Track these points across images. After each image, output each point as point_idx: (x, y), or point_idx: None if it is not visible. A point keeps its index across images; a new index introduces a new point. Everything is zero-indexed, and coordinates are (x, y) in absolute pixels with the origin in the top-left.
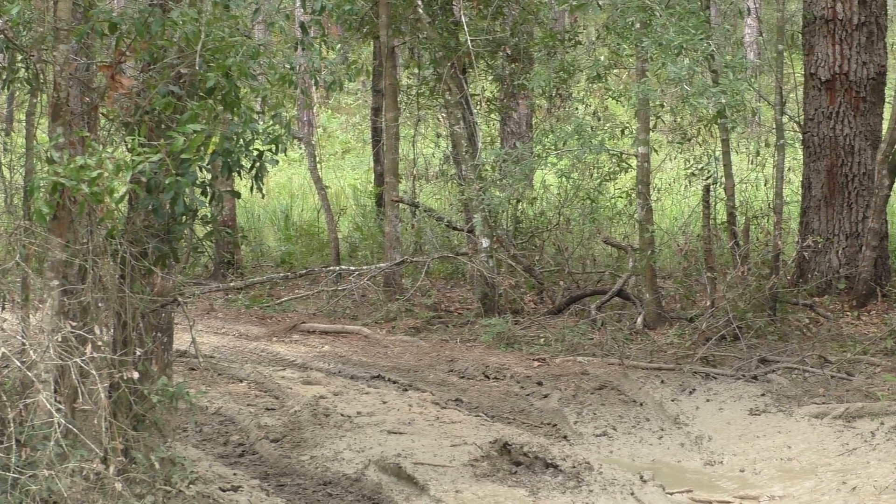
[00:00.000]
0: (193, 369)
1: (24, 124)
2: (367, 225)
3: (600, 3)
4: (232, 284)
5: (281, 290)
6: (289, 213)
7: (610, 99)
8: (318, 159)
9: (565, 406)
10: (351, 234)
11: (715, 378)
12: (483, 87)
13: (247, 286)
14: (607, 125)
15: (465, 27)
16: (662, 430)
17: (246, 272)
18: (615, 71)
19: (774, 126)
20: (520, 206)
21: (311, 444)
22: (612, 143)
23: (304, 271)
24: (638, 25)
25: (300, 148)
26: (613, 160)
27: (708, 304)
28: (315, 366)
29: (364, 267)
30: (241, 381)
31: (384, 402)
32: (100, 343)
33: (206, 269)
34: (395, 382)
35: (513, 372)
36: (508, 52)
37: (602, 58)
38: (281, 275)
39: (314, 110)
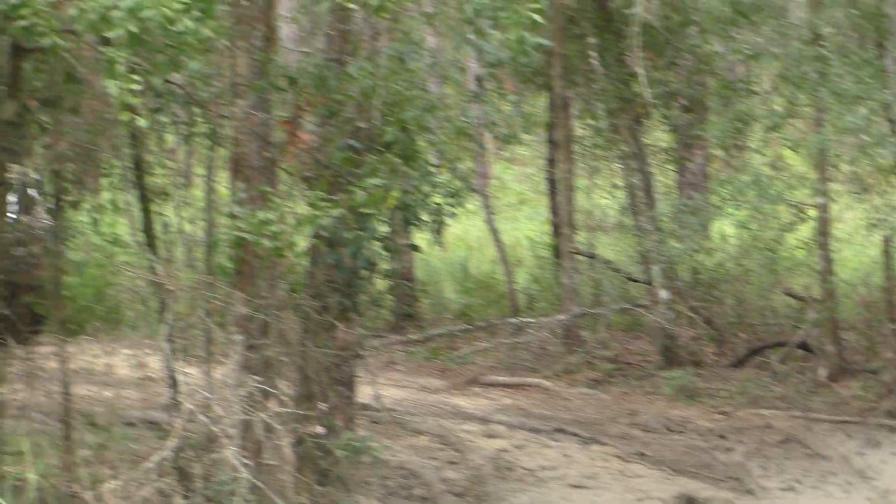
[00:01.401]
0: (376, 422)
1: (204, 179)
2: (544, 276)
3: (775, 52)
4: (412, 337)
5: (460, 342)
6: (466, 264)
7: (786, 149)
8: (493, 211)
9: (749, 460)
10: (528, 286)
11: None
12: (658, 138)
13: (427, 339)
14: (785, 175)
15: (640, 78)
16: (849, 484)
17: (425, 324)
18: (791, 120)
19: None
20: (698, 258)
21: (494, 497)
22: (791, 193)
23: (482, 323)
24: (814, 75)
25: (476, 200)
26: (792, 210)
27: (892, 355)
28: (496, 419)
29: (543, 319)
30: (422, 434)
31: (566, 456)
32: (284, 397)
33: (386, 322)
34: (576, 435)
35: (695, 425)
36: (683, 102)
37: (778, 107)
38: (460, 327)
39: (489, 162)
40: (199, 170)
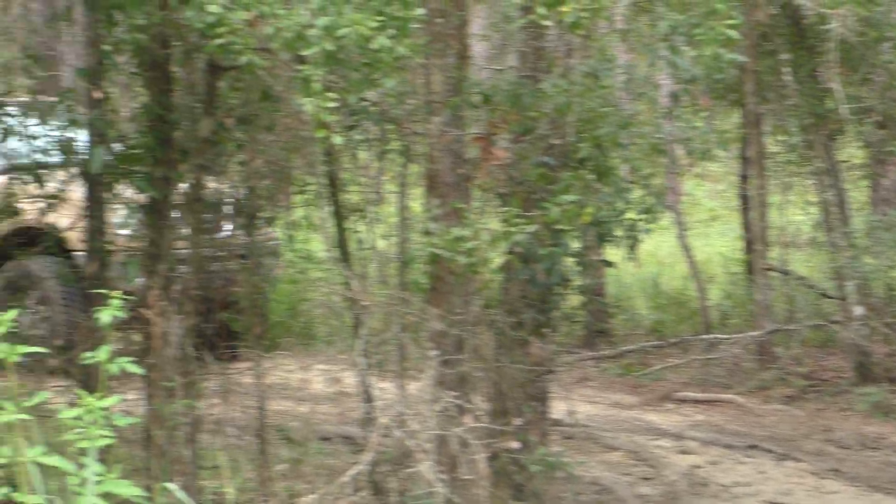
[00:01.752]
0: (568, 438)
1: (397, 195)
2: (736, 293)
3: None
4: (604, 353)
5: (652, 358)
6: (658, 281)
7: None
8: (685, 227)
9: None
10: (721, 302)
11: None
12: (852, 154)
13: (619, 355)
14: None
15: (836, 93)
16: None
17: (617, 341)
18: None
19: None
20: (893, 273)
21: None
22: None
23: (675, 339)
24: None
25: (668, 216)
26: None
27: None
28: (689, 435)
29: (736, 335)
30: (615, 450)
31: (760, 472)
32: (478, 413)
33: (579, 338)
34: (770, 452)
35: (891, 441)
36: (877, 118)
37: None
38: (652, 343)
39: (681, 178)
40: (392, 187)
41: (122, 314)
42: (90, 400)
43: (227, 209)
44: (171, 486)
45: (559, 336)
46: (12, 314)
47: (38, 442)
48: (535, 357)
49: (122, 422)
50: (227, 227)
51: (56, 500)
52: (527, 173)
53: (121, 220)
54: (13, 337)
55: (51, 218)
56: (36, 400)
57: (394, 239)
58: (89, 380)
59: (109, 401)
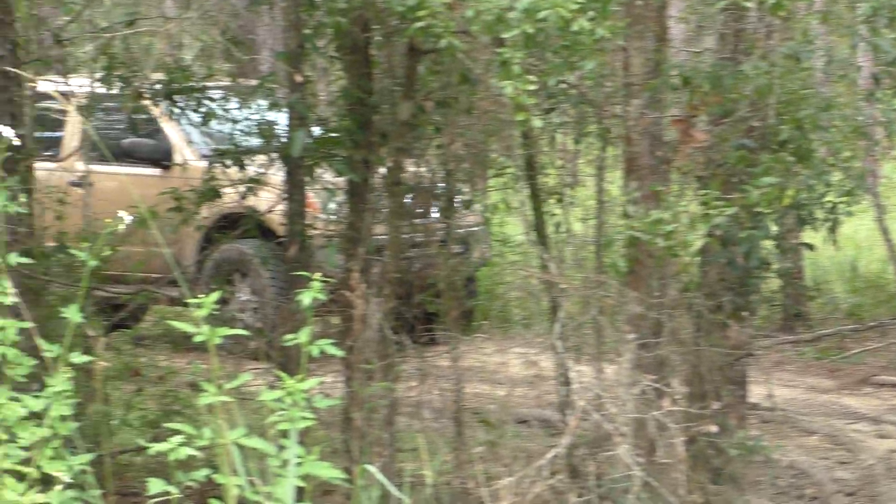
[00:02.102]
0: (765, 422)
1: (595, 178)
2: None
3: None
4: (801, 337)
5: (850, 342)
6: (856, 264)
7: None
8: (884, 210)
9: None
10: None
11: None
12: None
13: (816, 338)
14: None
15: None
16: None
17: (815, 324)
18: None
19: None
20: None
21: (886, 498)
22: None
23: (873, 323)
24: None
25: (867, 199)
26: None
27: None
28: (888, 419)
29: None
30: (812, 434)
31: None
32: (677, 396)
33: (776, 322)
34: None
35: None
36: None
37: None
38: (850, 327)
39: (879, 161)
40: (590, 169)
41: (322, 297)
42: (291, 382)
43: (428, 192)
44: (370, 468)
45: (757, 319)
46: (215, 297)
47: (238, 424)
48: (733, 340)
49: (322, 404)
50: (434, 211)
51: (256, 482)
52: (726, 156)
53: (321, 203)
54: (215, 319)
55: (252, 202)
56: (237, 382)
57: (591, 222)
58: (289, 362)
59: (310, 383)
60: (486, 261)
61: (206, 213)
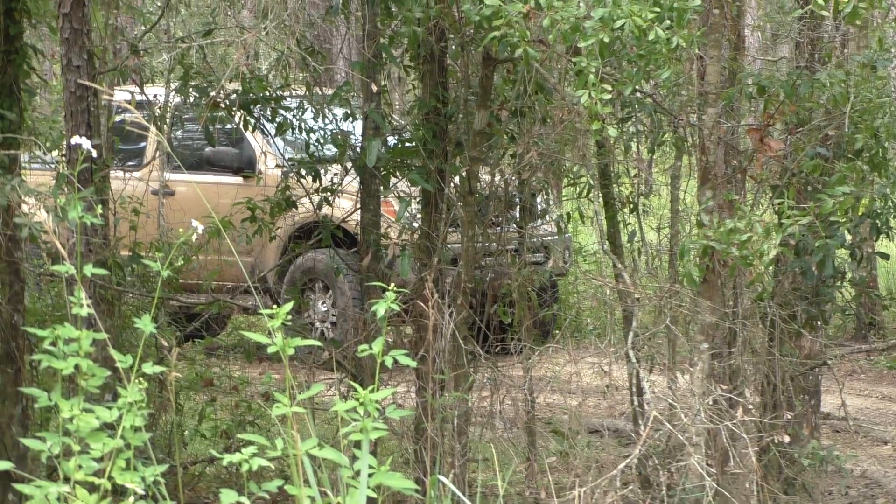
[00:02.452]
0: (837, 431)
1: (668, 187)
2: None
3: None
4: (875, 346)
5: None
6: None
7: None
8: None
9: None
10: None
11: None
12: None
13: (890, 347)
14: None
15: None
16: None
17: (889, 333)
18: None
19: None
20: None
21: None
22: None
23: None
24: None
25: None
26: None
27: None
28: None
29: None
30: (885, 444)
31: None
32: (750, 406)
33: (849, 331)
34: None
35: None
36: None
37: None
38: None
39: None
40: (664, 178)
41: (396, 307)
42: (364, 393)
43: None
44: (442, 478)
45: (831, 329)
46: (288, 307)
47: (311, 435)
48: (806, 350)
49: (394, 414)
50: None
51: (328, 493)
52: (801, 165)
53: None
54: (294, 329)
55: (328, 211)
56: (309, 393)
57: (665, 231)
58: (362, 372)
59: (382, 393)
60: (566, 270)
61: (288, 222)
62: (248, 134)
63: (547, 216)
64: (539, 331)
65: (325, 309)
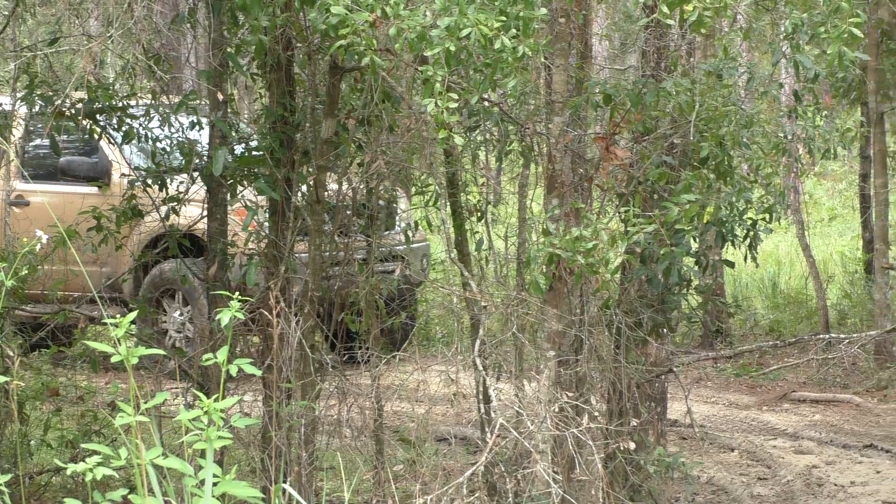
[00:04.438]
0: (684, 438)
1: (516, 196)
2: (855, 292)
3: None
4: (721, 353)
5: (770, 358)
6: (776, 280)
7: None
8: (805, 227)
9: None
10: (839, 302)
11: None
12: None
13: (736, 355)
14: None
15: None
16: None
17: (735, 340)
18: None
19: None
20: None
21: None
22: None
23: (793, 339)
24: None
25: (787, 215)
26: None
27: None
28: (806, 435)
29: (854, 335)
30: (732, 451)
31: (877, 472)
32: (596, 413)
33: (697, 338)
34: (888, 451)
35: None
36: None
37: None
38: (770, 343)
39: (801, 178)
40: (512, 187)
41: (241, 316)
42: (208, 402)
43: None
44: (287, 487)
45: (677, 336)
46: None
47: (156, 443)
48: (652, 357)
49: (240, 423)
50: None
51: (173, 503)
52: (647, 173)
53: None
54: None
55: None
56: (154, 402)
57: (513, 239)
58: (208, 381)
59: (226, 402)
60: (425, 279)
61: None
62: (103, 143)
63: (397, 225)
64: (389, 339)
65: (182, 319)
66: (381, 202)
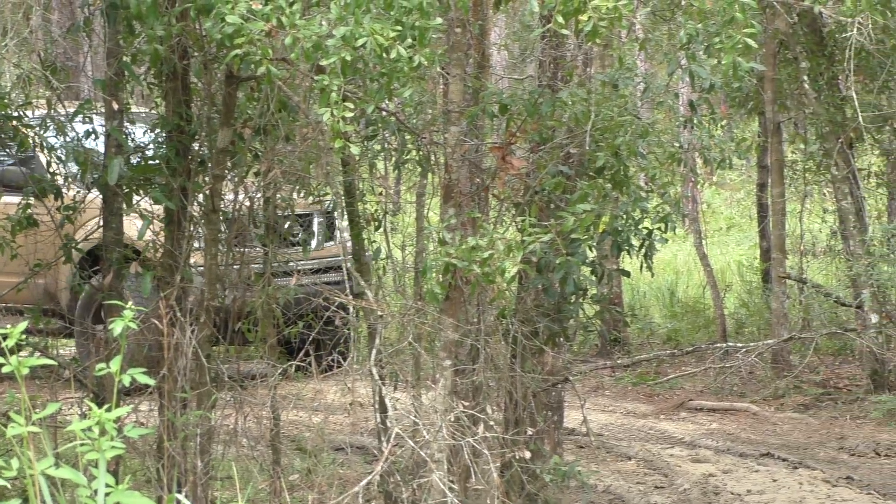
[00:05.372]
0: (582, 447)
1: (413, 205)
2: (753, 301)
3: None
4: (619, 362)
5: (667, 367)
6: (674, 289)
7: None
8: (703, 236)
9: None
10: (737, 311)
11: None
12: (870, 162)
13: (634, 363)
14: None
15: (854, 102)
16: None
17: (633, 349)
18: None
19: None
20: None
21: None
22: None
23: (690, 348)
24: None
25: (685, 225)
26: None
27: None
28: (703, 443)
29: (751, 344)
30: (629, 459)
31: (774, 481)
32: (492, 422)
33: (594, 347)
34: (784, 460)
35: None
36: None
37: None
38: (667, 352)
39: (699, 187)
40: (409, 196)
41: (135, 325)
42: (99, 411)
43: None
44: (180, 497)
45: (574, 345)
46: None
47: (48, 454)
48: (549, 366)
49: (134, 433)
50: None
51: None
52: (544, 182)
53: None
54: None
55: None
56: (46, 412)
57: (410, 249)
58: (103, 391)
59: (118, 411)
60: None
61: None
62: (38, 152)
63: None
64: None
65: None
66: (319, 217)
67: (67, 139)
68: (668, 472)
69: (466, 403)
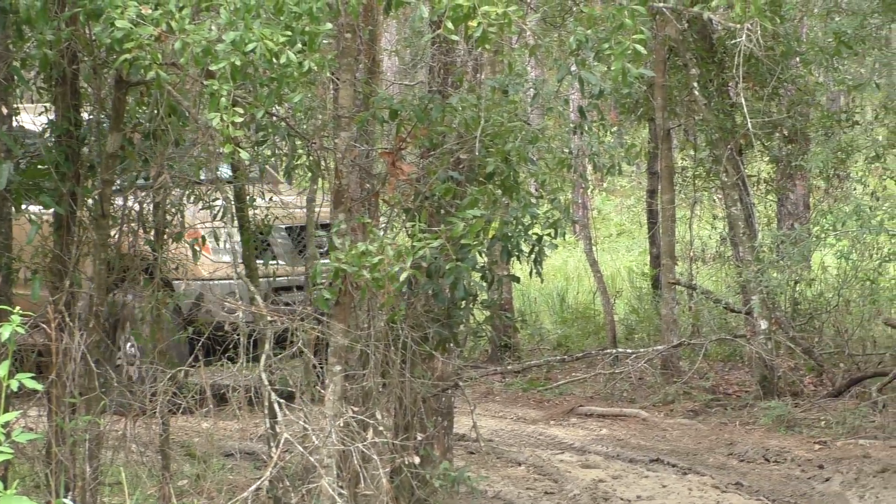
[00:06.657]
0: (472, 453)
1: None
2: (643, 307)
3: (878, 83)
4: (509, 368)
5: (558, 372)
6: (564, 295)
7: (889, 179)
8: (593, 242)
9: (847, 489)
10: (627, 317)
11: None
12: (759, 169)
13: (524, 369)
14: (886, 205)
15: (742, 108)
16: None
17: (523, 355)
18: (894, 151)
19: None
20: (798, 288)
21: None
22: (892, 223)
23: (580, 354)
24: None
25: (575, 231)
26: (894, 241)
27: None
28: (593, 449)
29: (641, 349)
30: (519, 465)
31: (664, 486)
32: (381, 428)
33: (484, 353)
34: (674, 466)
35: (793, 455)
36: (785, 133)
37: (880, 138)
38: (558, 358)
39: (589, 193)
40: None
41: (22, 330)
42: None
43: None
44: (68, 502)
45: (464, 351)
46: None
47: None
48: (439, 372)
49: (22, 438)
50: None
51: None
52: (434, 188)
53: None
54: None
55: None
56: None
57: None
58: None
59: (7, 416)
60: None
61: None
62: None
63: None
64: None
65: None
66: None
67: None
68: (558, 478)
69: (356, 409)
